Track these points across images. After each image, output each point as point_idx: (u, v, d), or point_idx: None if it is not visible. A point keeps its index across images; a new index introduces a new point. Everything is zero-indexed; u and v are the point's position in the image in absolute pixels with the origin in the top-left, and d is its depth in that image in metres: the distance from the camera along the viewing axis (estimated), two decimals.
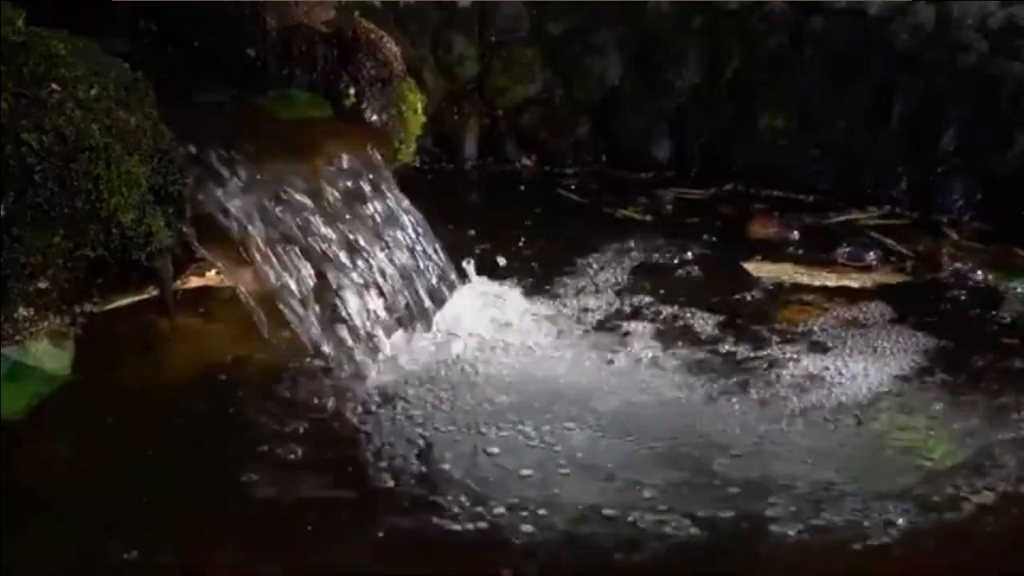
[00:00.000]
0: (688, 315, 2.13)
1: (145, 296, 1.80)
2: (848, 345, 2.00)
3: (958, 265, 2.42)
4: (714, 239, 2.59)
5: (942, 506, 1.49)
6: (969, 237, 2.65)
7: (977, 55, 2.86)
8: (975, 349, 2.00)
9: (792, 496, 1.50)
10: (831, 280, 2.34)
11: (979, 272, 2.39)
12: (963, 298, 2.28)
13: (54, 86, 1.55)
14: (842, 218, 2.78)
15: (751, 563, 1.40)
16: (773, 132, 3.02)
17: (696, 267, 2.41)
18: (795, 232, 2.65)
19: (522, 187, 3.06)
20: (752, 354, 1.98)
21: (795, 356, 1.96)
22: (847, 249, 2.51)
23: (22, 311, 1.61)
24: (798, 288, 2.29)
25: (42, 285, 1.59)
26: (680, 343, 2.01)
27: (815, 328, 2.08)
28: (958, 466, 1.59)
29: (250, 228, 1.82)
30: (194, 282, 1.88)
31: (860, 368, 1.91)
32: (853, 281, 2.34)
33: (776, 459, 1.62)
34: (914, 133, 2.88)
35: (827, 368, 1.91)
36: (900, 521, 1.44)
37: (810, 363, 1.93)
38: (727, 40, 3.12)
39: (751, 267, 2.41)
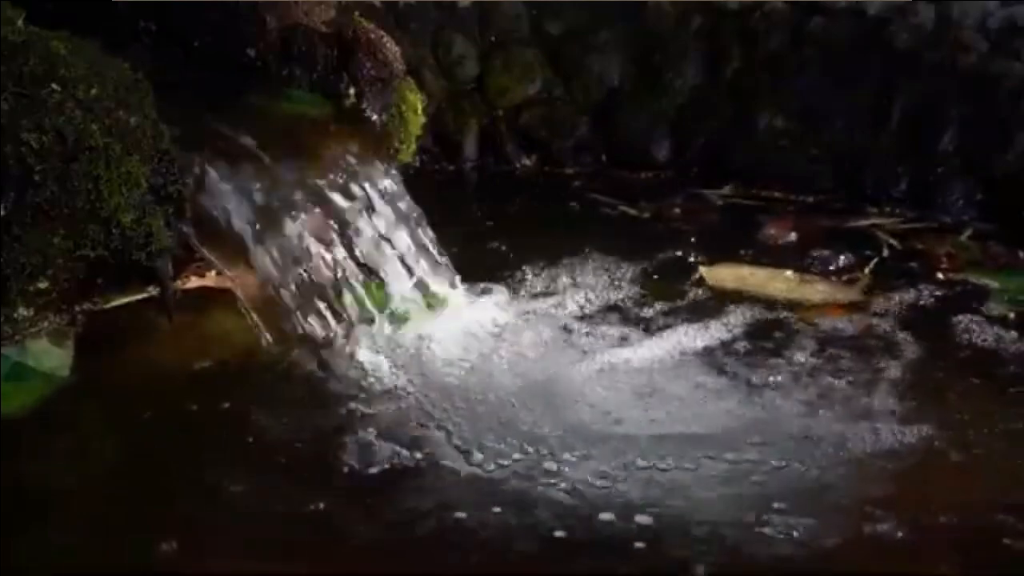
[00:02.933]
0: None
1: (145, 296, 1.80)
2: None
3: (943, 275, 2.37)
4: (721, 241, 2.56)
5: None
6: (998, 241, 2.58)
7: (977, 55, 2.86)
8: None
9: None
10: (781, 291, 2.25)
11: (967, 281, 2.33)
12: (915, 319, 2.15)
13: (54, 86, 1.55)
14: (864, 222, 2.73)
15: None
16: (773, 132, 3.02)
17: (662, 268, 2.39)
18: (792, 234, 2.61)
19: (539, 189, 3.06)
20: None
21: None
22: (823, 254, 2.46)
23: (22, 311, 1.61)
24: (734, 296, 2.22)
25: (42, 285, 1.60)
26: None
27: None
28: None
29: (250, 228, 1.83)
30: (194, 282, 1.88)
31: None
32: (808, 293, 2.25)
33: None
34: (914, 133, 2.87)
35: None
36: None
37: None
38: (727, 40, 3.12)
39: (705, 272, 2.33)
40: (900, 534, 1.45)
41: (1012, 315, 2.15)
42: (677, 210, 2.82)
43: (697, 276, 2.31)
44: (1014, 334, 2.05)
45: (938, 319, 2.15)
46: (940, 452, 1.67)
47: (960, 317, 2.13)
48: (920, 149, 2.85)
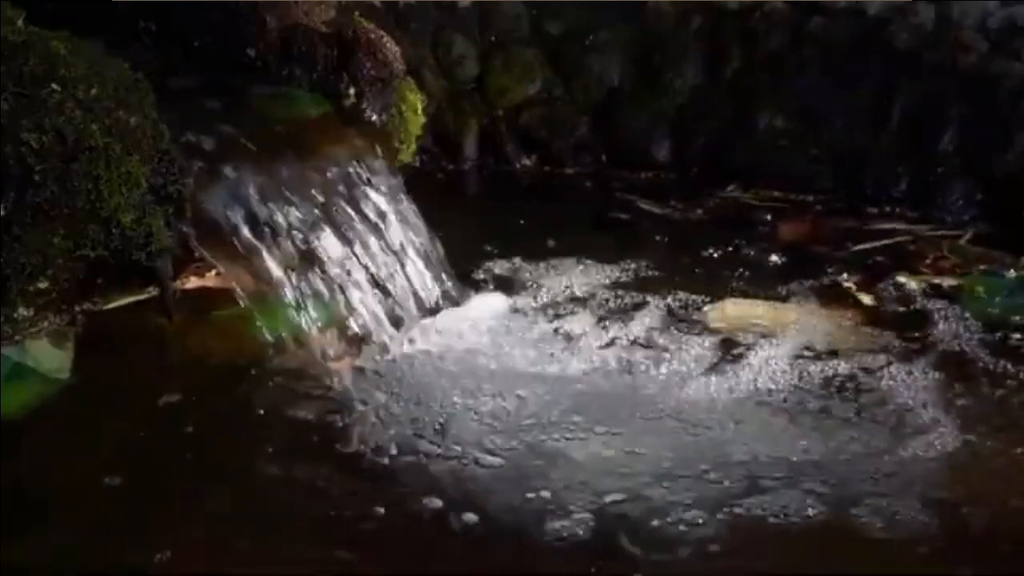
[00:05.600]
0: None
1: (145, 296, 1.80)
2: None
3: (917, 280, 2.32)
4: (741, 242, 2.55)
5: None
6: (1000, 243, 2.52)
7: (977, 55, 2.86)
8: None
9: None
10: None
11: (940, 286, 2.28)
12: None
13: (54, 86, 1.55)
14: (884, 226, 2.69)
15: None
16: (773, 132, 3.02)
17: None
18: (804, 239, 2.58)
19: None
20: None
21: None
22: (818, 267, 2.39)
23: (22, 311, 1.61)
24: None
25: (42, 285, 1.60)
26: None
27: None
28: None
29: (249, 228, 1.83)
30: (194, 282, 1.88)
31: None
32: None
33: None
34: (914, 133, 2.87)
35: None
36: None
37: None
38: (727, 40, 3.12)
39: (713, 315, 2.15)
40: None
41: (974, 323, 2.11)
42: (700, 211, 2.81)
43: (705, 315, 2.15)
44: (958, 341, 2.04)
45: (882, 325, 2.11)
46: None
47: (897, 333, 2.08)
48: (920, 149, 2.86)
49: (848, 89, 2.95)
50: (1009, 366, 1.94)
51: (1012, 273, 2.35)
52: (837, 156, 2.94)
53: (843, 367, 1.93)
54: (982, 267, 2.39)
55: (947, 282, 2.32)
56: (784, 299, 2.24)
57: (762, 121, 3.03)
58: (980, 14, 2.90)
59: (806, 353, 1.99)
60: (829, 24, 3.02)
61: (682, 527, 1.48)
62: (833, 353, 1.99)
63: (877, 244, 2.58)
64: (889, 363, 1.95)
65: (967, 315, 2.14)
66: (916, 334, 2.08)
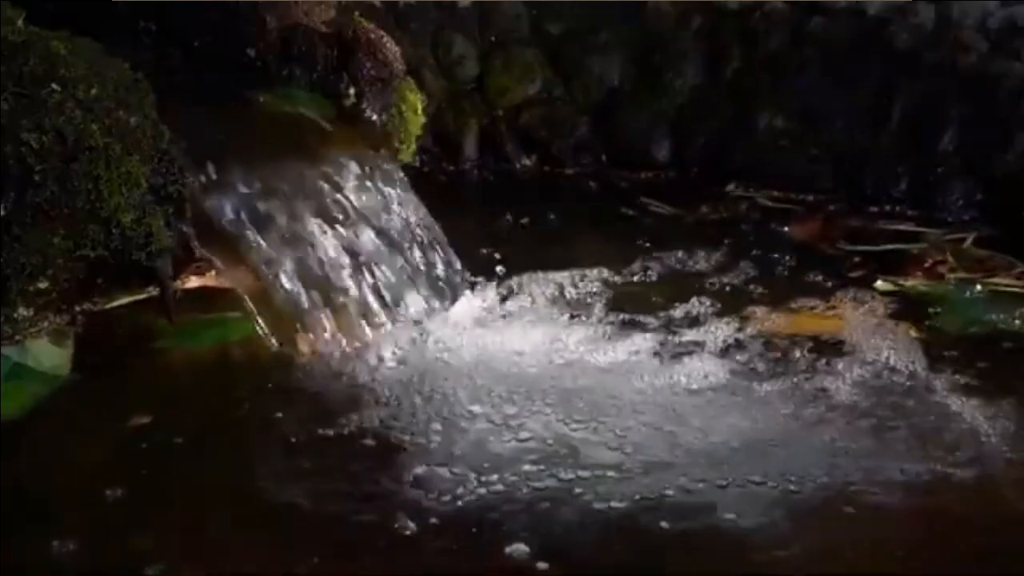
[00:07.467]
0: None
1: (145, 296, 1.80)
2: None
3: (892, 285, 2.27)
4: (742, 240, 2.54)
5: None
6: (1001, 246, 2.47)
7: (977, 55, 2.86)
8: None
9: None
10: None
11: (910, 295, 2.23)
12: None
13: (54, 86, 1.55)
14: (895, 227, 2.68)
15: None
16: (773, 132, 3.02)
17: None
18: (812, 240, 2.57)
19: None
20: None
21: None
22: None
23: (22, 311, 1.61)
24: None
25: (42, 285, 1.60)
26: None
27: None
28: None
29: (249, 228, 1.83)
30: (194, 282, 1.88)
31: None
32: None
33: None
34: (914, 133, 2.88)
35: None
36: None
37: None
38: (727, 40, 3.12)
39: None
40: None
41: (926, 334, 2.04)
42: (718, 215, 2.81)
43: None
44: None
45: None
46: None
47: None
48: (920, 149, 2.86)
49: (848, 89, 2.95)
50: (940, 381, 1.87)
51: (978, 288, 2.28)
52: (837, 156, 2.94)
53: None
54: (957, 277, 2.34)
55: (926, 289, 2.27)
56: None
57: (762, 121, 3.04)
58: (980, 14, 2.90)
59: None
60: (829, 24, 3.02)
61: None
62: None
63: (876, 247, 2.56)
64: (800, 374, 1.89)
65: (923, 325, 2.08)
66: (863, 342, 2.01)
